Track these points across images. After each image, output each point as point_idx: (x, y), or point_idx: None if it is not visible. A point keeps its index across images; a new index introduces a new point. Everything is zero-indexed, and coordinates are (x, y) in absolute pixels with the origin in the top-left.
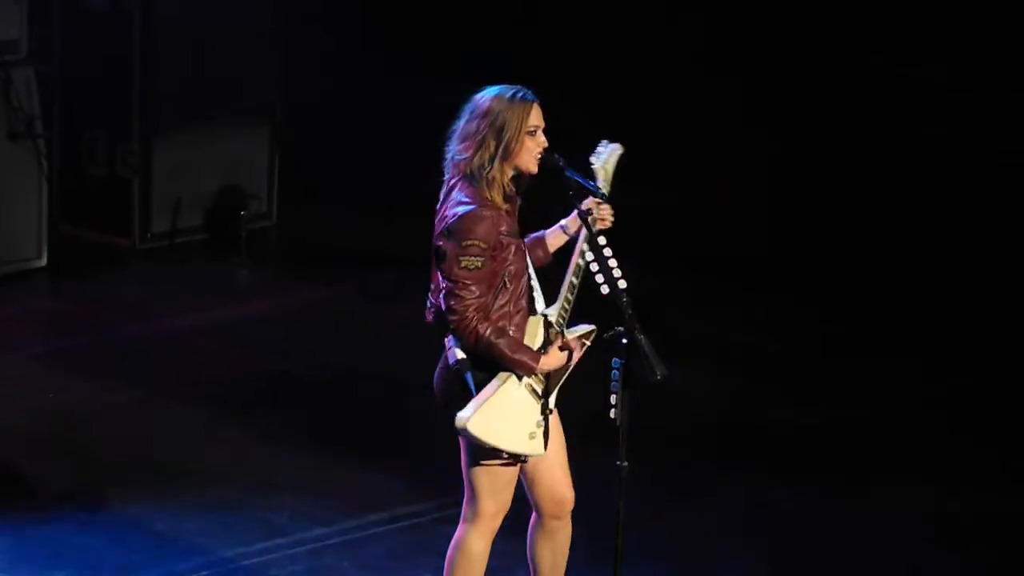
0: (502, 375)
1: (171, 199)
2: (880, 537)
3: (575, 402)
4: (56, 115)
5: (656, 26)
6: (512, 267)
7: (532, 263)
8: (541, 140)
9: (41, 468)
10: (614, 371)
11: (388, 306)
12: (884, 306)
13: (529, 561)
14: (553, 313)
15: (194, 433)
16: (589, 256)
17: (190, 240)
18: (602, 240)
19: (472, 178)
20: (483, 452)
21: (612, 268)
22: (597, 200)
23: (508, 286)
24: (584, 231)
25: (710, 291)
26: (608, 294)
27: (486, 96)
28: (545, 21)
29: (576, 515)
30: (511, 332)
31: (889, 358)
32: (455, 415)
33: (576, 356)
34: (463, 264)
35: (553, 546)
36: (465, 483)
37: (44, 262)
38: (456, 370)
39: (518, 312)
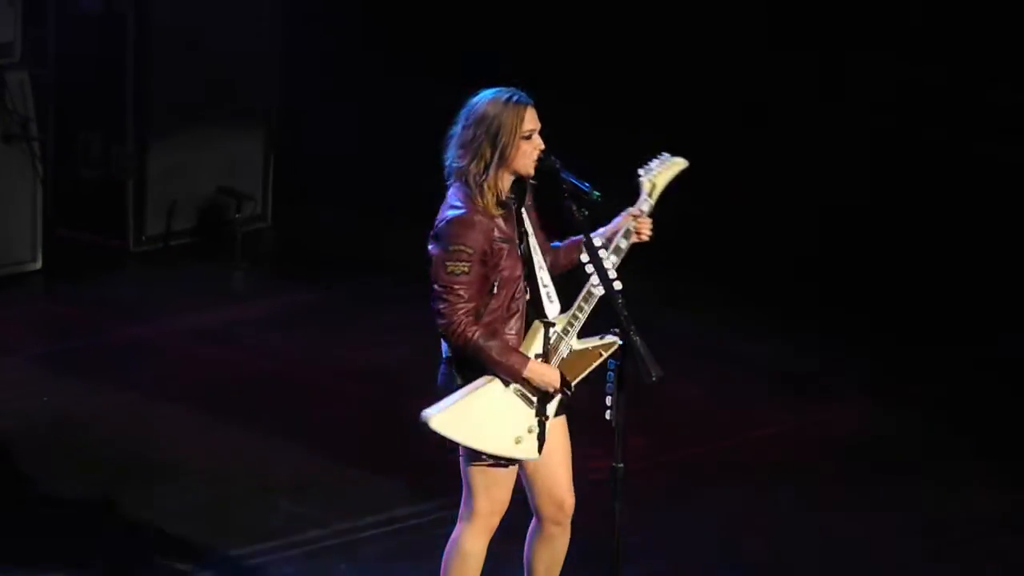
0: (487, 376)
1: (166, 201)
2: (878, 537)
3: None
4: (51, 118)
5: (654, 26)
6: (504, 272)
7: (561, 267)
8: (537, 143)
9: (36, 470)
10: (610, 372)
11: (383, 308)
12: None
13: (524, 565)
14: (562, 320)
15: (190, 435)
16: (584, 257)
17: (185, 242)
18: (597, 242)
19: (467, 184)
20: (476, 451)
21: (607, 269)
22: (635, 213)
23: (498, 291)
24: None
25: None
26: (603, 295)
27: (481, 101)
28: (542, 20)
29: (572, 516)
30: (507, 336)
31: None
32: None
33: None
34: (449, 269)
35: (550, 552)
36: (463, 482)
37: (39, 265)
38: (447, 359)
39: (511, 316)
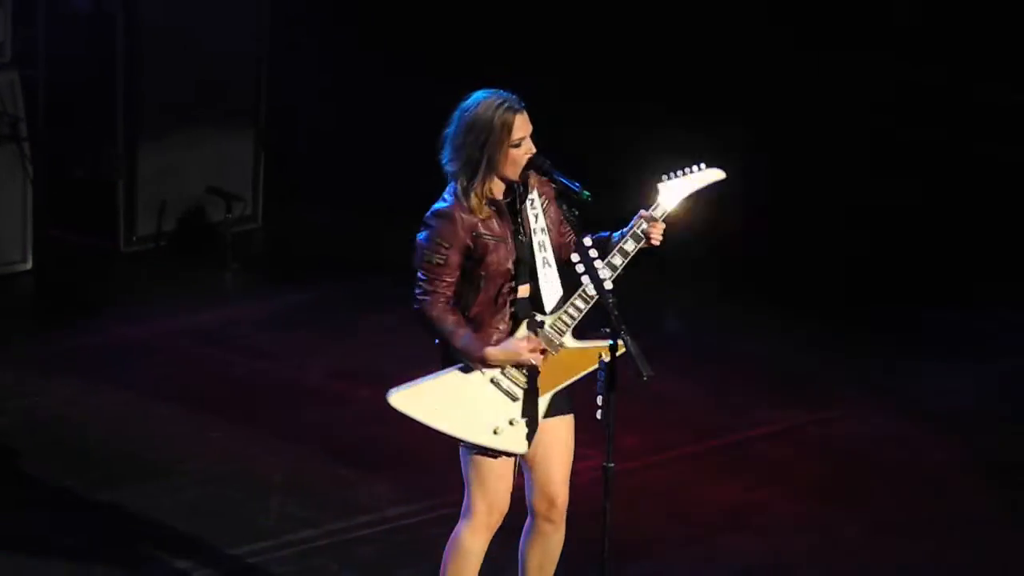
0: (462, 363)
1: (156, 201)
2: (874, 536)
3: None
4: (40, 118)
5: (650, 27)
6: (491, 267)
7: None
8: (527, 149)
9: (28, 471)
10: (600, 372)
11: (376, 308)
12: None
13: (519, 562)
14: (551, 318)
15: (182, 435)
16: (575, 257)
17: (175, 243)
18: (587, 241)
19: (457, 185)
20: (470, 447)
21: (598, 269)
22: (646, 216)
23: (485, 285)
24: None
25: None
26: (594, 295)
27: (471, 108)
28: (539, 18)
29: (567, 516)
30: (491, 330)
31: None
32: None
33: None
34: (426, 257)
35: (543, 549)
36: (463, 479)
37: (29, 265)
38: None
39: (499, 311)
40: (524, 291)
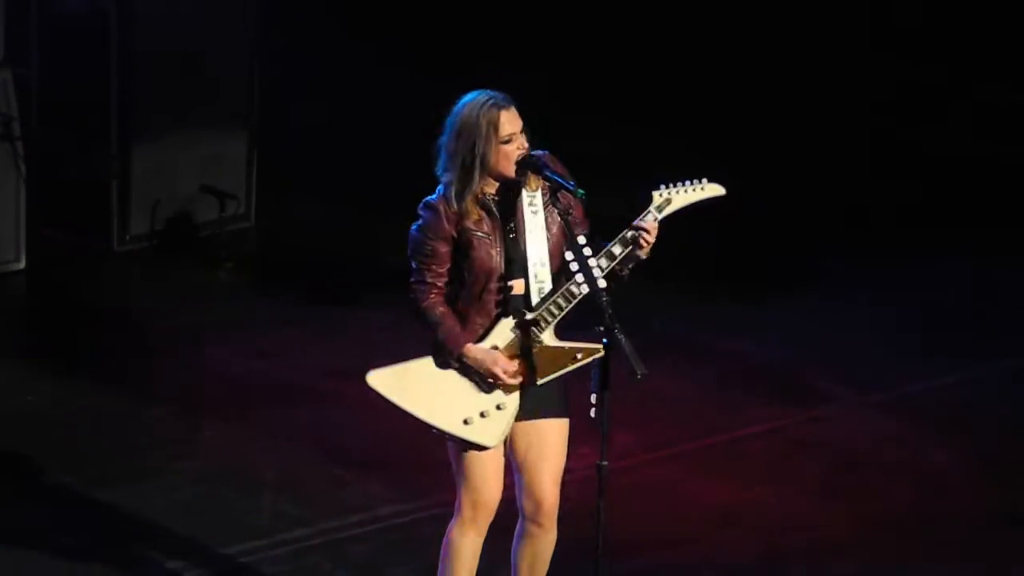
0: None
1: (150, 200)
2: (868, 535)
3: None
4: (34, 117)
5: (645, 27)
6: (476, 263)
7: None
8: (519, 144)
9: (21, 470)
10: (594, 371)
11: (369, 307)
12: None
13: (511, 563)
14: (531, 315)
15: (175, 434)
16: (569, 255)
17: (169, 241)
18: (581, 240)
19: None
20: (454, 444)
21: (592, 268)
22: (636, 224)
23: (469, 279)
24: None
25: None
26: (588, 294)
27: (458, 112)
28: (533, 16)
29: (559, 514)
30: (475, 326)
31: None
32: None
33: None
34: (415, 248)
35: (533, 551)
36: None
37: (22, 265)
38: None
39: (484, 308)
40: (518, 288)
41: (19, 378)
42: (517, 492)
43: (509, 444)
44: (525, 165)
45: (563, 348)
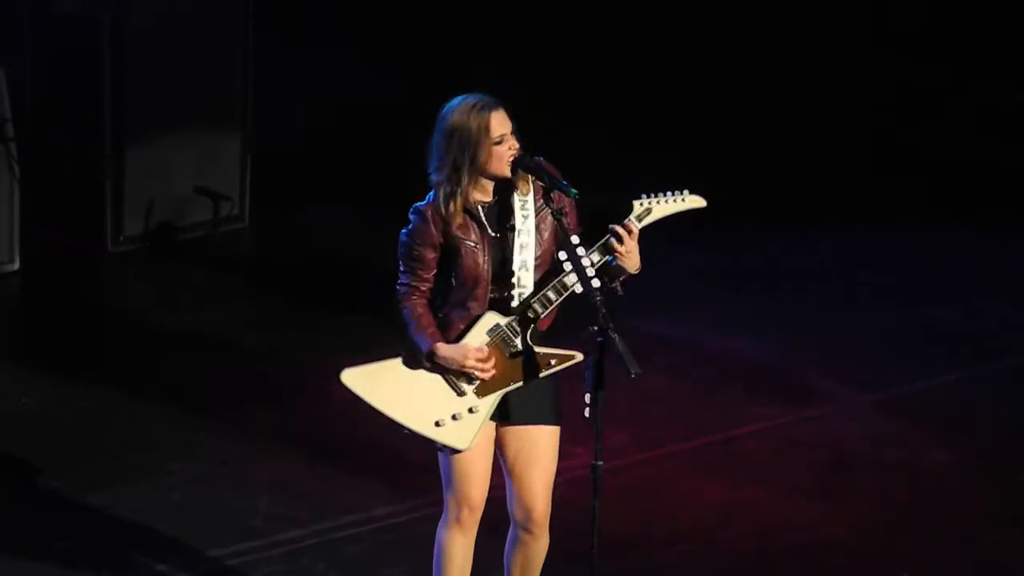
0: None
1: (144, 201)
2: (863, 534)
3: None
4: (27, 118)
5: (646, 27)
6: (462, 268)
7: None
8: (510, 144)
9: (16, 471)
10: (588, 371)
11: (362, 308)
12: None
13: (504, 567)
14: (506, 319)
15: (169, 435)
16: (562, 255)
17: (163, 242)
18: (575, 239)
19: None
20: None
21: (585, 267)
22: (616, 230)
23: (456, 284)
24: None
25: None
26: (582, 293)
27: (447, 115)
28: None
29: (552, 513)
30: (462, 326)
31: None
32: None
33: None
34: (404, 252)
35: (524, 557)
36: None
37: (16, 266)
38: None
39: (465, 313)
40: (498, 294)
41: (13, 379)
42: (508, 499)
43: (499, 449)
44: (520, 165)
45: (537, 353)
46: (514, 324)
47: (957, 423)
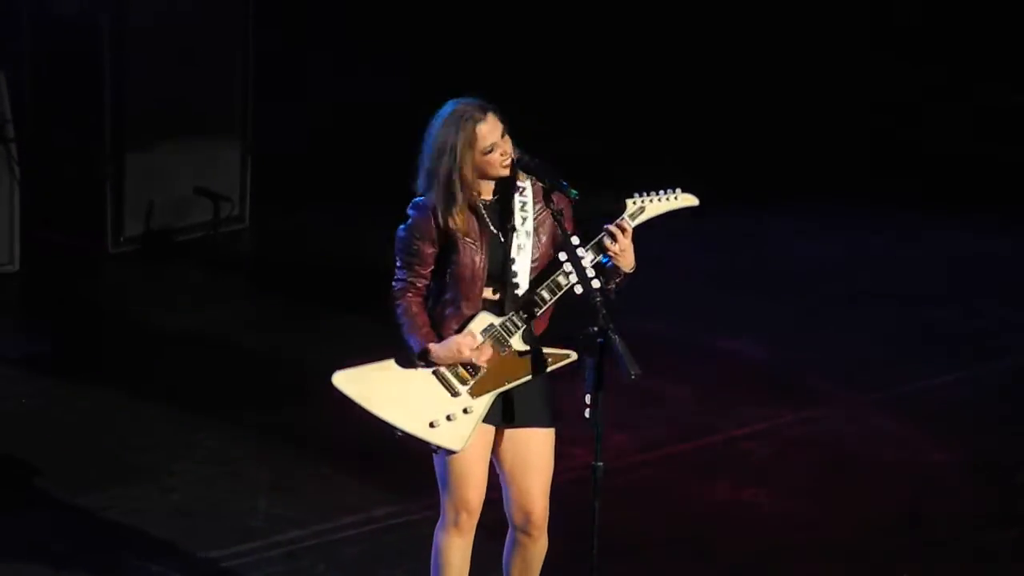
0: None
1: (144, 202)
2: (861, 536)
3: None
4: (28, 119)
5: (646, 27)
6: (457, 265)
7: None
8: (503, 150)
9: (15, 472)
10: (588, 371)
11: (362, 310)
12: None
13: (503, 569)
14: (500, 319)
15: (169, 436)
16: (562, 256)
17: (163, 244)
18: (575, 240)
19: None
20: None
21: (585, 268)
22: (611, 230)
23: (451, 282)
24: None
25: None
26: (582, 294)
27: (436, 130)
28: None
29: (552, 514)
30: (454, 324)
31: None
32: None
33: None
34: (401, 247)
35: (523, 560)
36: None
37: (16, 267)
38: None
39: (459, 312)
40: (494, 294)
41: (13, 380)
42: (505, 503)
43: (496, 453)
44: (520, 166)
45: (532, 353)
46: (508, 324)
47: (957, 423)
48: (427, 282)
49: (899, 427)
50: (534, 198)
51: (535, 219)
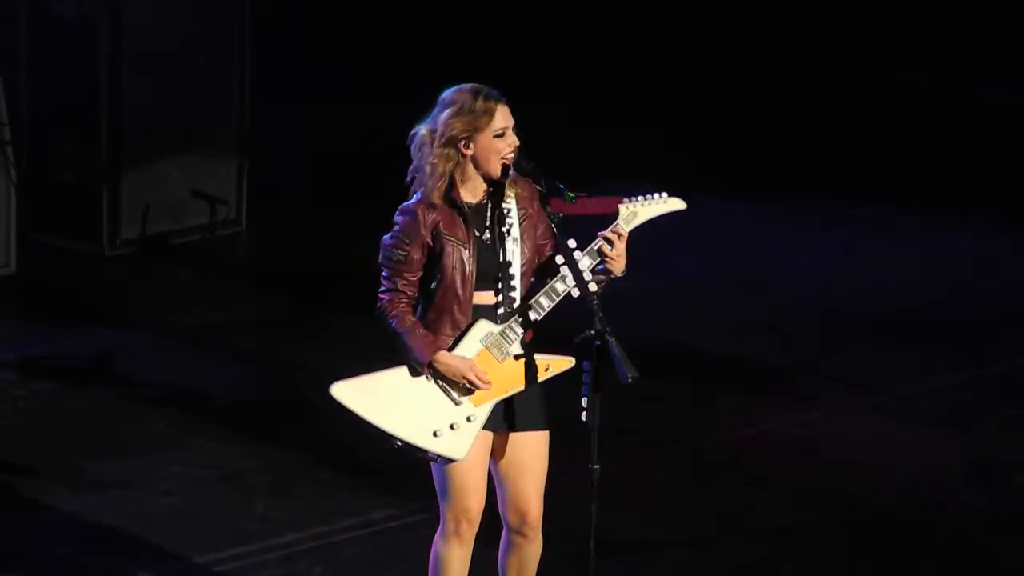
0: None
1: (140, 205)
2: (858, 539)
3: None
4: (24, 122)
5: (644, 27)
6: (446, 269)
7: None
8: (510, 141)
9: (11, 475)
10: (585, 374)
11: (359, 313)
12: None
13: (499, 572)
14: (500, 326)
15: (165, 439)
16: (559, 259)
17: (159, 246)
18: (572, 243)
19: (427, 179)
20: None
21: (583, 271)
22: (607, 236)
23: (438, 288)
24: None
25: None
26: (579, 297)
27: (454, 94)
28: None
29: (549, 517)
30: (444, 337)
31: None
32: None
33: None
34: (388, 255)
35: (519, 561)
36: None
37: (13, 269)
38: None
39: (451, 317)
40: (485, 299)
41: (9, 383)
42: (500, 505)
43: (491, 456)
44: (517, 169)
45: (532, 360)
46: (507, 331)
47: (957, 423)
48: (415, 291)
49: (898, 428)
50: (518, 205)
51: (520, 226)
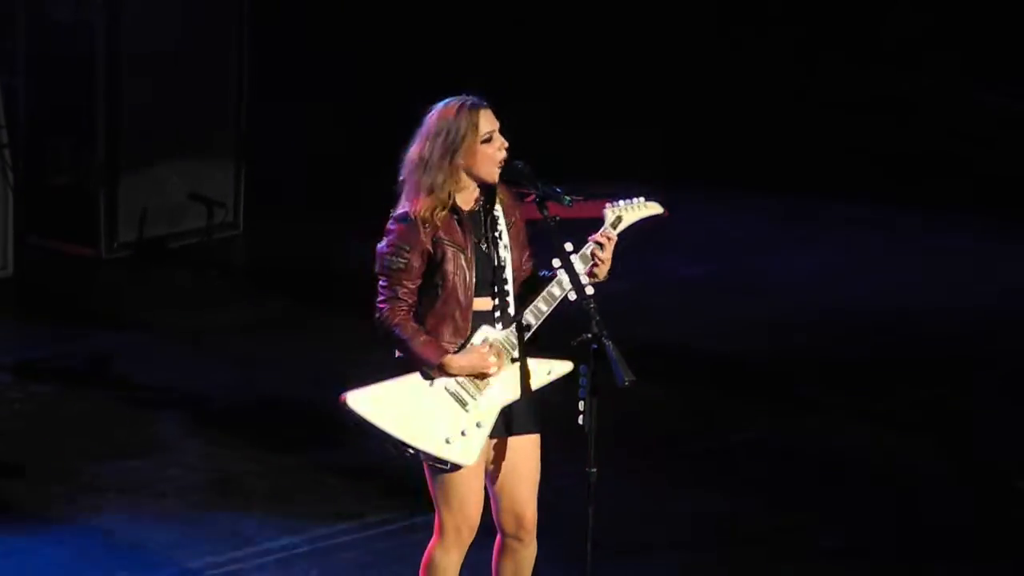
0: (419, 371)
1: (137, 209)
2: (855, 542)
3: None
4: (22, 125)
5: (642, 27)
6: (447, 276)
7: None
8: (499, 144)
9: (9, 479)
10: (582, 378)
11: (357, 315)
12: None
13: (493, 574)
14: (503, 332)
15: (163, 442)
16: (556, 263)
17: (157, 249)
18: (568, 247)
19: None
20: (433, 465)
21: (579, 275)
22: (598, 239)
23: (439, 295)
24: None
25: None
26: (576, 300)
27: (436, 114)
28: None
29: (546, 520)
30: (446, 344)
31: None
32: None
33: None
34: (386, 263)
35: (515, 565)
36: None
37: (10, 273)
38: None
39: (452, 324)
40: (483, 304)
41: (7, 386)
42: (494, 510)
43: (485, 462)
44: (512, 173)
45: (535, 364)
46: (508, 337)
47: (956, 426)
48: (415, 299)
49: (897, 431)
50: (505, 211)
51: (508, 233)
